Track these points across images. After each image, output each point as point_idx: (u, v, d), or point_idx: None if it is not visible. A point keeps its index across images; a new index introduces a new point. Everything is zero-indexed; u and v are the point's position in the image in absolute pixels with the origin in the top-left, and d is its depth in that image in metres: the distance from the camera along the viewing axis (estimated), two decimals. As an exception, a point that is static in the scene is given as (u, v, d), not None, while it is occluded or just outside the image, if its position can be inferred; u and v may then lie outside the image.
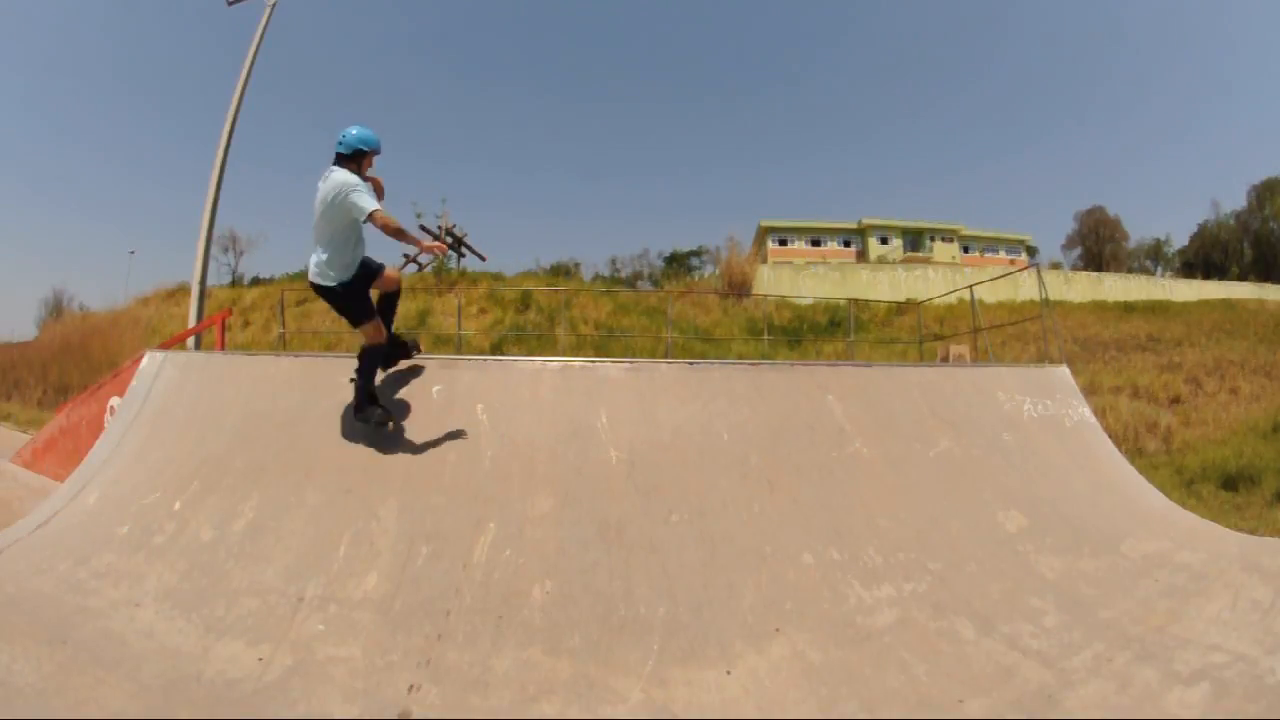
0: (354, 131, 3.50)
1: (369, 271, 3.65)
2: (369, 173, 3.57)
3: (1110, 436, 4.85)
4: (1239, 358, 12.86)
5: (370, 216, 3.30)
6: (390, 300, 3.96)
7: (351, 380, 3.71)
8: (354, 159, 3.48)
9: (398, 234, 3.38)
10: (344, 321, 3.84)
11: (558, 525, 3.18)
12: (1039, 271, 9.66)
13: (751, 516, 3.32)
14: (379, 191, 3.64)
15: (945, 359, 10.56)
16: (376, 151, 3.57)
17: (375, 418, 3.58)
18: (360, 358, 3.67)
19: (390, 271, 3.83)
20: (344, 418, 3.77)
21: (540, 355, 4.44)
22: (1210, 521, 3.94)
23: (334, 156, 3.48)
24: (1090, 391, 9.45)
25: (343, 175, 3.39)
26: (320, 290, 3.57)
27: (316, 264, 3.50)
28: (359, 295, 3.62)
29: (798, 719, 2.21)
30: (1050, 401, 4.68)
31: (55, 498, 3.62)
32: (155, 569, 2.94)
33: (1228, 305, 20.99)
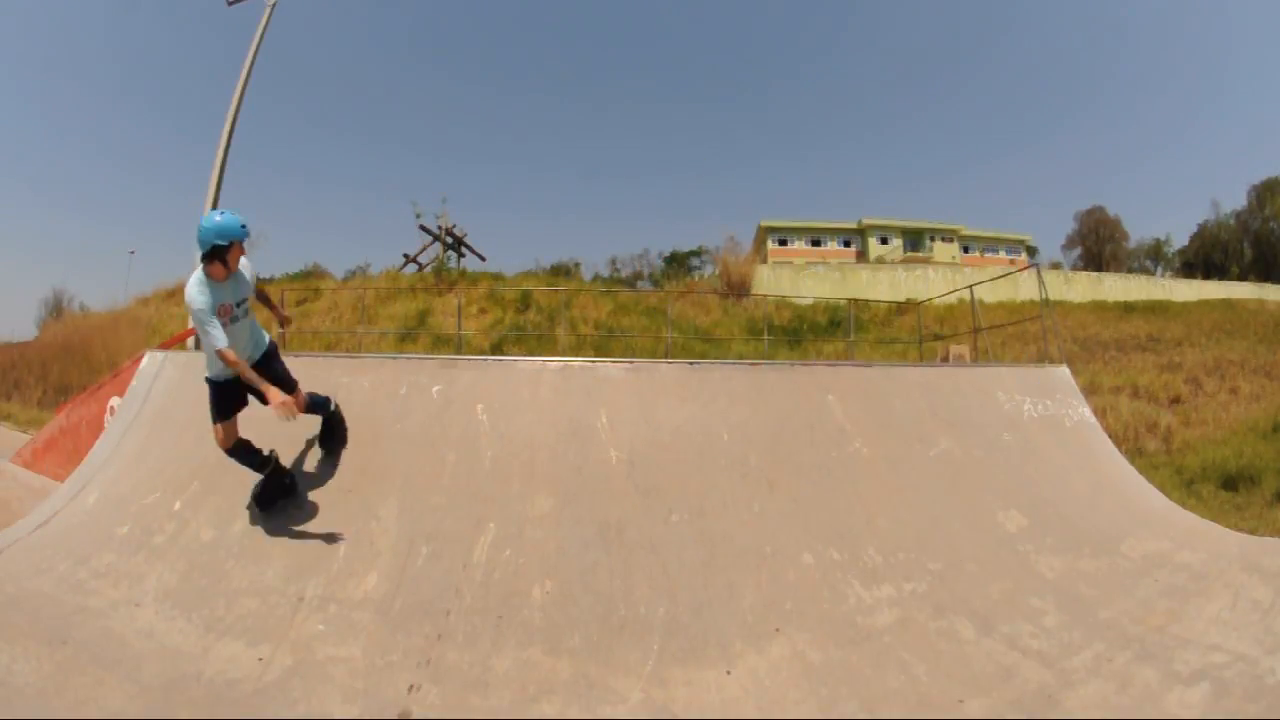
0: (212, 221, 2.88)
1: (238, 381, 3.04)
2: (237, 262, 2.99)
3: (1110, 436, 4.85)
4: (1239, 358, 12.86)
5: (220, 354, 2.85)
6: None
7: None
8: (214, 255, 2.87)
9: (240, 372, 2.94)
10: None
11: (558, 525, 3.18)
12: (1039, 271, 9.65)
13: (751, 516, 3.32)
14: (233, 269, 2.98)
15: (945, 359, 10.56)
16: (238, 240, 2.92)
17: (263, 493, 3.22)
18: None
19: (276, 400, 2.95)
20: (344, 418, 3.76)
21: (540, 355, 4.43)
22: (1210, 521, 3.94)
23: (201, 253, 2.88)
24: (1090, 391, 9.44)
25: (192, 290, 2.88)
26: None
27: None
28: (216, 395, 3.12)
29: (798, 719, 2.21)
30: (1050, 401, 4.68)
31: (55, 498, 3.62)
32: (155, 569, 2.94)
33: (1228, 305, 20.97)
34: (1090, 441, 4.56)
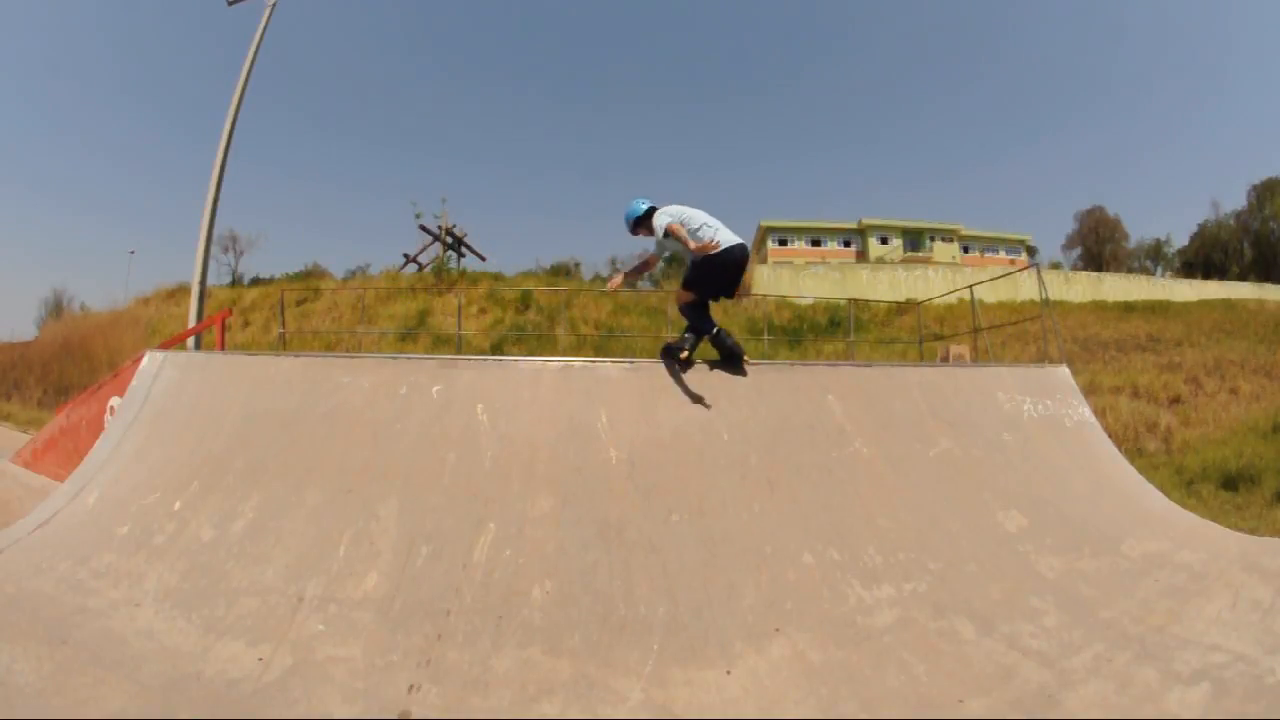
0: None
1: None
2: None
3: (1110, 436, 4.85)
4: (1239, 358, 12.85)
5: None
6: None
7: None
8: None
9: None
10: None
11: (558, 525, 3.18)
12: (1039, 271, 9.65)
13: (751, 516, 3.31)
14: None
15: (945, 359, 10.57)
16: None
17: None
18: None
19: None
20: (344, 418, 3.77)
21: (540, 355, 4.44)
22: (1210, 521, 3.94)
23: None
24: (1090, 391, 9.44)
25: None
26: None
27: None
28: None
29: (798, 719, 2.21)
30: (1050, 401, 4.68)
31: (55, 498, 3.62)
32: (155, 569, 2.94)
33: (1228, 305, 20.98)
34: (1090, 441, 4.56)
